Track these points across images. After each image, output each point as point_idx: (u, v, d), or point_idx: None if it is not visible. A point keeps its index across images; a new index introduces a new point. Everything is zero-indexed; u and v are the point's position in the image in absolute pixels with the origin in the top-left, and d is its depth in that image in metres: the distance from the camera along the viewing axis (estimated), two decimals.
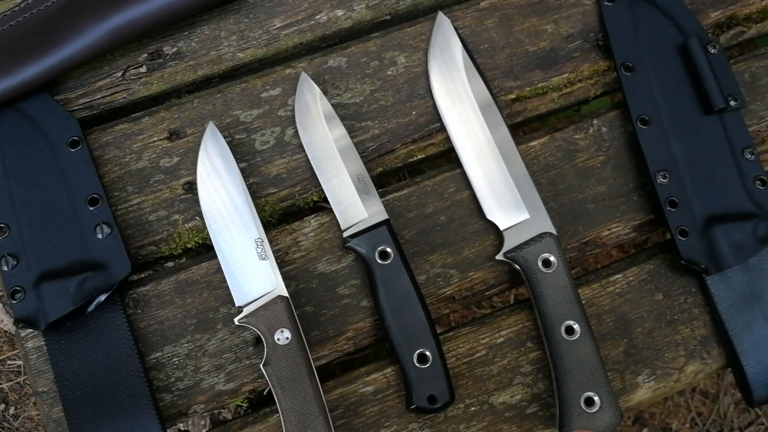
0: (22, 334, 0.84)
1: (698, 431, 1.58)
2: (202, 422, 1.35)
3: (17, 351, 1.42)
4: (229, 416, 1.36)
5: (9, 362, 1.42)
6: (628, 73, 0.95)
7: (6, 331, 1.40)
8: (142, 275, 0.90)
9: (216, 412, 1.35)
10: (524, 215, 0.88)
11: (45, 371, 0.83)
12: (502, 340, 0.89)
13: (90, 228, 0.84)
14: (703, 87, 0.93)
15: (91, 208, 0.85)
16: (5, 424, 1.42)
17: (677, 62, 0.96)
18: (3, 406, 1.42)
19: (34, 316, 0.81)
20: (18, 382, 1.42)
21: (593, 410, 0.82)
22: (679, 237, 0.89)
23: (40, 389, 0.83)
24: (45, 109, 0.88)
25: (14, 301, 0.82)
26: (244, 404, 1.22)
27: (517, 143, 0.91)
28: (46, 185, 0.86)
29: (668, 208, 0.90)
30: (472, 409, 0.87)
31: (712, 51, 0.95)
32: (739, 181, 0.91)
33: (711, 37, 0.96)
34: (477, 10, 0.97)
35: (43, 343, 0.83)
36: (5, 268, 0.83)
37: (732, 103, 0.93)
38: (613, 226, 0.93)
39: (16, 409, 1.42)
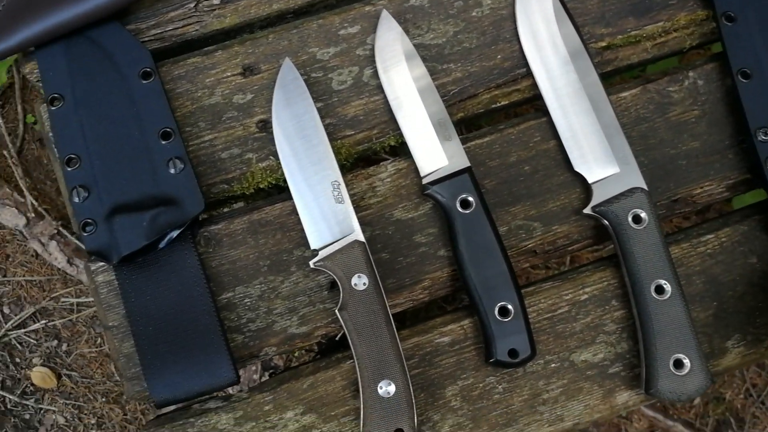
0: (92, 268, 0.82)
1: (752, 402, 1.55)
2: (253, 368, 1.33)
3: (71, 289, 1.42)
4: (281, 363, 1.35)
5: (62, 300, 1.42)
6: (729, 23, 0.89)
7: (59, 269, 1.39)
8: (213, 213, 0.87)
9: (268, 359, 1.34)
10: (614, 168, 0.84)
11: (115, 306, 0.81)
12: (585, 297, 0.85)
13: (162, 162, 0.82)
14: None
15: (164, 142, 0.82)
16: (58, 359, 1.42)
17: None
18: (56, 342, 1.42)
19: (106, 249, 0.79)
20: (71, 320, 1.42)
21: (682, 373, 0.79)
22: None
23: (110, 324, 0.81)
24: (116, 38, 0.85)
25: (85, 234, 0.80)
26: (311, 349, 1.20)
27: (607, 94, 0.87)
28: (118, 117, 0.83)
29: None
30: (553, 365, 0.84)
31: None
32: None
33: None
34: None
35: (113, 277, 0.81)
36: (76, 200, 0.81)
37: None
38: (706, 184, 0.89)
39: (68, 345, 1.42)
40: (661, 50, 0.92)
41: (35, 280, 1.42)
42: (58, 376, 1.41)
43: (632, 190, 0.83)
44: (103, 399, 1.41)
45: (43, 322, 1.41)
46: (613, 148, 0.84)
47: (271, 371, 1.32)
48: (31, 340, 1.41)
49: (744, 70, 0.87)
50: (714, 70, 0.90)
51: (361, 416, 0.77)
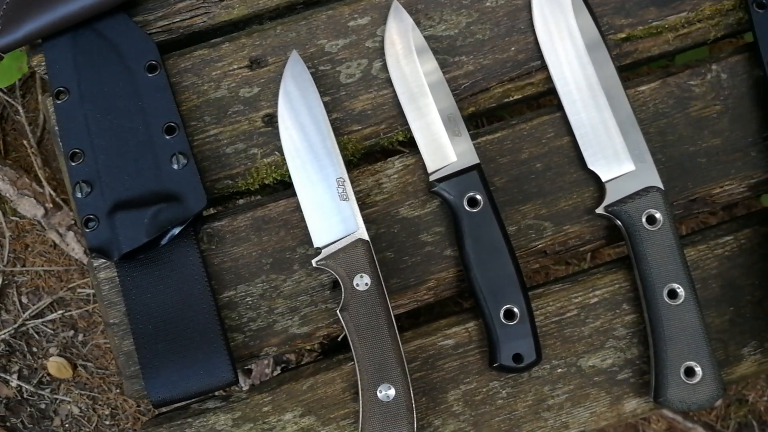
0: (95, 264, 0.82)
1: None
2: (266, 362, 1.33)
3: (87, 279, 1.42)
4: (293, 357, 1.34)
5: (79, 290, 1.42)
6: (760, 11, 0.84)
7: (77, 260, 1.40)
8: (217, 210, 0.86)
9: (268, 359, 1.34)
10: (629, 166, 0.81)
11: (117, 303, 0.81)
12: (596, 300, 0.82)
13: (166, 158, 0.81)
14: None
15: (168, 137, 0.81)
16: (74, 350, 1.43)
17: None
18: (72, 332, 1.43)
19: (107, 246, 0.78)
20: (87, 310, 1.43)
21: (693, 381, 0.76)
22: None
23: (111, 321, 0.81)
24: (123, 30, 0.84)
25: (87, 230, 0.79)
26: (313, 348, 1.19)
27: (625, 88, 0.83)
28: (122, 111, 0.82)
29: None
30: (559, 371, 0.81)
31: None
32: None
33: None
34: None
35: (115, 274, 0.81)
36: (79, 195, 0.80)
37: None
38: (726, 183, 0.85)
39: (84, 336, 1.43)
40: (683, 42, 0.87)
41: (53, 270, 1.43)
42: (74, 367, 1.42)
43: (647, 189, 0.80)
44: (117, 390, 1.41)
45: (60, 312, 1.42)
46: (628, 145, 0.81)
47: (282, 365, 1.31)
48: (48, 330, 1.43)
49: None
50: (739, 63, 0.86)
51: (360, 420, 0.75)
